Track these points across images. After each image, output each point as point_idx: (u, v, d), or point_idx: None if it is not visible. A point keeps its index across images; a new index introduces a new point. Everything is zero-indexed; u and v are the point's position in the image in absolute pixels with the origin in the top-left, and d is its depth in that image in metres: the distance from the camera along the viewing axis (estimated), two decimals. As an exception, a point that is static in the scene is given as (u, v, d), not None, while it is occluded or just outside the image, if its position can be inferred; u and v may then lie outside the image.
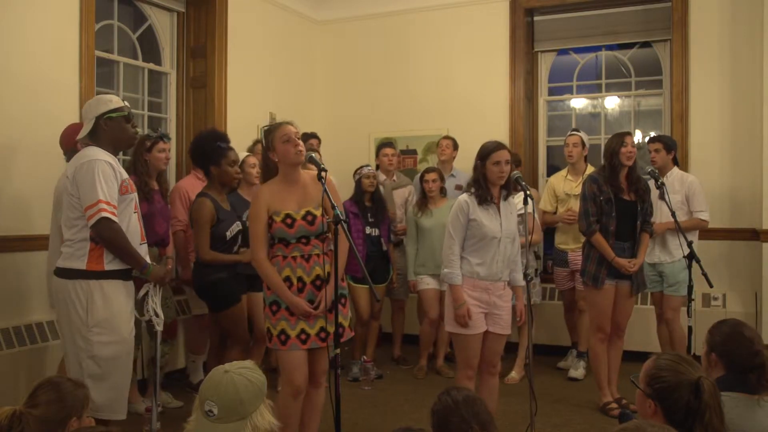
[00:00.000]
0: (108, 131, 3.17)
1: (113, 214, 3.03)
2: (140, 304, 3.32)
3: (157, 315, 3.27)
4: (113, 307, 3.06)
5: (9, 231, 4.03)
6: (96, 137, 3.18)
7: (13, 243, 4.03)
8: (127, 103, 3.28)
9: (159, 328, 3.29)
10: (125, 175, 3.19)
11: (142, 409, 4.02)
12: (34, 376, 3.64)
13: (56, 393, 2.12)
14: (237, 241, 4.17)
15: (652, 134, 6.22)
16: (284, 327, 3.20)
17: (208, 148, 4.09)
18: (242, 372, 1.96)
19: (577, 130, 5.50)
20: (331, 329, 3.21)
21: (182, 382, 4.84)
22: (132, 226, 3.16)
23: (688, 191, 4.77)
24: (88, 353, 3.02)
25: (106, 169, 3.05)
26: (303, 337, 3.21)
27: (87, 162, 3.05)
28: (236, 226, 4.15)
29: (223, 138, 4.18)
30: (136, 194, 3.29)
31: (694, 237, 4.76)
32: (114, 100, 3.22)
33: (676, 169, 4.88)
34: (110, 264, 3.07)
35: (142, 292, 3.26)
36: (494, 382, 3.78)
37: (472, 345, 3.61)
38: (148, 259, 3.22)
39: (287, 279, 3.20)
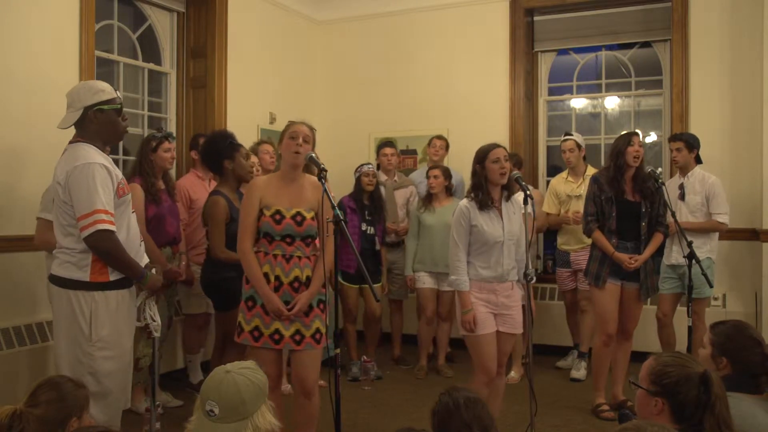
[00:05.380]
0: (97, 125, 2.93)
1: (111, 223, 2.83)
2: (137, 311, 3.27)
3: (153, 320, 3.22)
4: (118, 320, 2.93)
5: (9, 231, 4.03)
6: (83, 130, 2.95)
7: (14, 243, 4.03)
8: (119, 93, 3.06)
9: (156, 334, 3.23)
10: (120, 176, 3.00)
11: (142, 409, 4.01)
12: (34, 376, 3.64)
13: (57, 393, 2.13)
14: None
15: (649, 134, 6.24)
16: (258, 324, 3.21)
17: (221, 145, 4.10)
18: (244, 372, 1.97)
19: (570, 134, 5.49)
20: (308, 333, 3.22)
21: (182, 382, 4.84)
22: (132, 228, 3.03)
23: (708, 192, 4.68)
24: (89, 369, 2.85)
25: (102, 174, 2.84)
26: (276, 337, 3.22)
27: (81, 166, 2.82)
28: None
29: (234, 137, 4.20)
30: (131, 193, 3.13)
31: (713, 239, 4.73)
32: (107, 90, 2.97)
33: (698, 169, 4.78)
34: (114, 273, 2.91)
35: (139, 301, 3.14)
36: (501, 383, 3.74)
37: (485, 346, 3.57)
38: (144, 261, 3.10)
39: (265, 276, 3.20)
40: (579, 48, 6.36)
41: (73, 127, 3.00)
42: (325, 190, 3.12)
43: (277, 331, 3.21)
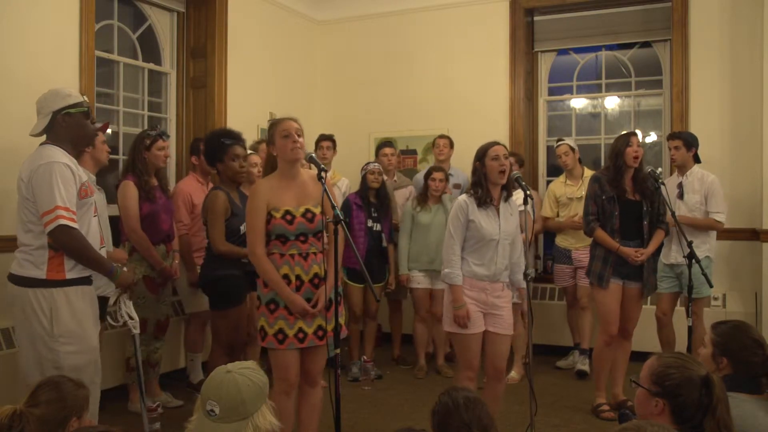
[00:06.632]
0: (66, 128, 3.01)
1: (72, 220, 2.88)
2: (113, 311, 3.26)
3: (131, 318, 3.21)
4: (79, 315, 2.94)
5: (9, 231, 4.01)
6: (53, 134, 3.02)
7: (13, 243, 4.01)
8: (86, 98, 3.13)
9: (135, 330, 3.23)
10: (85, 178, 3.05)
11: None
12: (34, 376, 3.64)
13: (57, 393, 2.13)
14: None
15: (649, 134, 6.24)
16: (282, 326, 3.19)
17: (213, 146, 4.12)
18: (244, 372, 1.97)
19: (562, 139, 5.52)
20: (329, 327, 3.20)
21: (182, 382, 4.84)
22: (92, 231, 3.05)
23: (707, 191, 4.68)
24: (54, 364, 2.87)
25: (64, 172, 2.90)
26: (300, 335, 3.21)
27: (44, 164, 2.89)
28: None
29: (229, 135, 4.20)
30: (95, 197, 3.17)
31: (712, 238, 4.74)
32: (73, 95, 3.06)
33: (696, 168, 4.77)
34: (71, 272, 2.94)
35: (112, 299, 3.16)
36: (500, 387, 3.73)
37: (472, 345, 3.60)
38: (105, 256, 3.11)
39: (285, 277, 3.19)
40: (579, 48, 6.36)
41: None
42: (325, 189, 3.11)
43: (300, 329, 3.20)
